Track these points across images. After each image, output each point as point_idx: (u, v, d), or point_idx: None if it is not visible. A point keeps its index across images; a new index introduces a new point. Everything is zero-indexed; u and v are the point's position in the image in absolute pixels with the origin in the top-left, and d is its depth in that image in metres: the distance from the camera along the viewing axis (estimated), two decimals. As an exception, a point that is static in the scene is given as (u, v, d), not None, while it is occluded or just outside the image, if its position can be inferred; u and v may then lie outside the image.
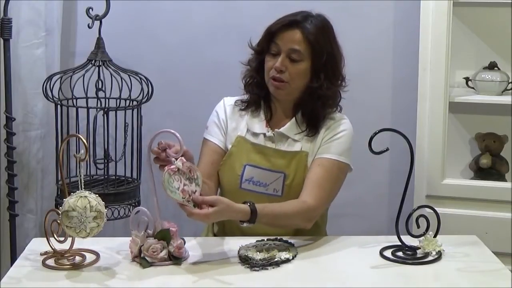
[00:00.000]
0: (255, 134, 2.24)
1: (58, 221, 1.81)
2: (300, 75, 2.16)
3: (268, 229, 2.14)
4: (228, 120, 2.27)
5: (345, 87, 2.25)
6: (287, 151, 2.20)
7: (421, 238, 1.97)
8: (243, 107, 2.27)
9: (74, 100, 2.75)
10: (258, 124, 2.24)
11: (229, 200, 1.89)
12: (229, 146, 2.24)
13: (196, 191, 1.86)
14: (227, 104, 2.29)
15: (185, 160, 1.85)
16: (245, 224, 1.93)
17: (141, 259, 1.87)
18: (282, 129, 2.22)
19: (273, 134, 2.22)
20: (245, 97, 2.28)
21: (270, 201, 2.15)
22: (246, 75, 2.27)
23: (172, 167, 1.82)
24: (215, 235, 2.30)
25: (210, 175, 2.21)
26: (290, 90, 2.18)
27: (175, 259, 1.88)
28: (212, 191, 2.22)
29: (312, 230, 2.20)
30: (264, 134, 2.23)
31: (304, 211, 2.07)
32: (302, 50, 2.14)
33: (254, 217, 1.92)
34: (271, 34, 2.18)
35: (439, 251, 1.94)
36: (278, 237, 2.06)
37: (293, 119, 2.22)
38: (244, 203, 1.94)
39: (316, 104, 2.18)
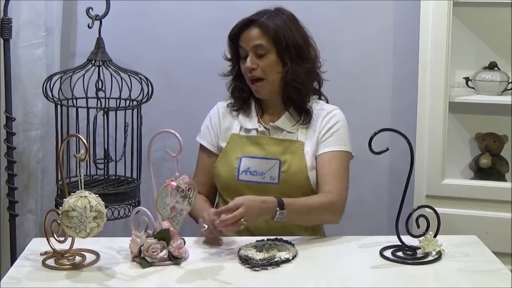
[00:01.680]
0: (248, 130, 2.31)
1: (58, 221, 1.81)
2: (271, 67, 2.24)
3: (268, 229, 2.15)
4: (221, 121, 2.35)
5: (320, 66, 2.33)
6: (282, 139, 2.27)
7: (421, 238, 1.97)
8: (234, 109, 2.35)
9: (74, 100, 2.75)
10: (250, 122, 2.32)
11: (249, 195, 1.96)
12: (224, 145, 2.31)
13: (185, 210, 1.88)
14: (220, 107, 2.39)
15: (187, 179, 1.87)
16: (278, 214, 1.97)
17: (141, 259, 1.87)
18: (277, 123, 2.29)
19: (266, 129, 2.28)
20: (234, 101, 2.37)
21: (267, 189, 2.20)
22: (230, 84, 2.38)
23: (173, 184, 1.83)
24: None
25: (203, 183, 2.32)
26: (269, 86, 2.26)
27: (175, 259, 1.88)
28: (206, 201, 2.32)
29: (310, 229, 2.22)
30: (257, 130, 2.29)
31: (330, 205, 2.14)
32: (264, 44, 2.23)
33: (282, 204, 1.97)
34: (234, 40, 2.29)
35: (439, 251, 1.94)
36: (278, 237, 2.07)
37: (286, 112, 2.29)
38: None
39: (290, 88, 2.25)
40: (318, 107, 2.31)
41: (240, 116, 2.34)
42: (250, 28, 2.25)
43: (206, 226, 1.96)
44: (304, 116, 2.28)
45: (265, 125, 2.30)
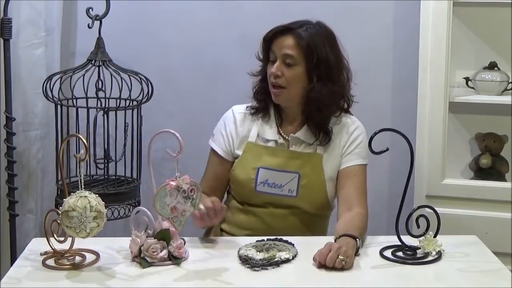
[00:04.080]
0: (266, 140, 2.26)
1: (58, 221, 1.81)
2: (295, 79, 2.18)
3: (268, 229, 2.16)
4: (238, 129, 2.28)
5: (349, 89, 2.27)
6: (301, 152, 2.23)
7: (421, 238, 1.97)
8: (252, 112, 2.29)
9: (74, 100, 2.75)
10: (270, 131, 2.27)
11: (332, 242, 1.91)
12: (239, 153, 2.26)
13: (188, 211, 1.86)
14: (236, 113, 2.31)
15: (189, 180, 1.86)
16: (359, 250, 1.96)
17: (141, 259, 1.87)
18: (297, 134, 2.24)
19: (286, 140, 2.24)
20: (255, 103, 2.30)
21: (285, 202, 2.20)
22: (255, 85, 2.31)
23: (172, 183, 1.83)
24: (221, 229, 2.31)
25: (213, 188, 2.26)
26: (289, 96, 2.21)
27: (175, 259, 1.88)
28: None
29: (314, 229, 2.24)
30: (276, 141, 2.25)
31: (367, 222, 2.17)
32: (295, 55, 2.17)
33: (355, 237, 1.95)
34: (267, 42, 2.23)
35: (439, 251, 1.94)
36: (278, 237, 2.07)
37: (306, 125, 2.25)
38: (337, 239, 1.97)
39: (312, 106, 2.21)
40: (339, 121, 2.27)
41: (260, 123, 2.28)
42: (285, 35, 2.19)
43: (202, 207, 1.97)
44: (322, 136, 2.23)
45: (285, 136, 2.26)
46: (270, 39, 2.22)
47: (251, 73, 2.31)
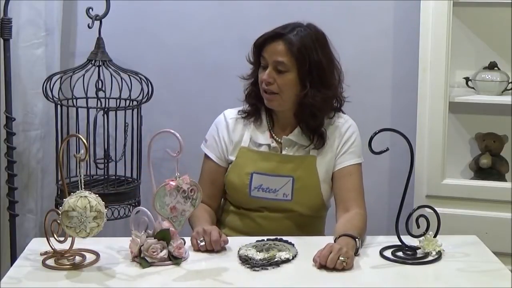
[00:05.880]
0: (259, 145, 2.25)
1: (58, 221, 1.81)
2: (288, 85, 2.17)
3: (264, 233, 2.15)
4: (230, 135, 2.27)
5: (342, 92, 2.26)
6: (294, 156, 2.22)
7: (421, 238, 1.97)
8: (244, 116, 2.27)
9: (74, 100, 2.75)
10: (262, 135, 2.26)
11: (333, 243, 1.91)
12: (233, 158, 2.25)
13: (187, 211, 1.86)
14: (228, 118, 2.29)
15: (189, 180, 1.85)
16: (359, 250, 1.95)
17: (141, 259, 1.87)
18: (290, 136, 2.23)
19: (279, 143, 2.23)
20: (246, 107, 2.29)
21: (280, 206, 2.19)
22: (247, 87, 2.29)
23: (172, 183, 1.83)
24: None
25: (211, 195, 2.26)
26: (282, 101, 2.19)
27: (175, 259, 1.88)
28: (213, 213, 2.28)
29: (311, 231, 2.23)
30: (269, 146, 2.24)
31: (366, 221, 2.16)
32: (286, 61, 2.15)
33: (354, 237, 1.94)
34: (258, 48, 2.21)
35: (439, 251, 1.94)
36: (278, 237, 2.07)
37: (299, 127, 2.24)
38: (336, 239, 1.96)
39: (305, 112, 2.19)
40: (332, 122, 2.25)
41: (252, 127, 2.26)
42: (276, 41, 2.16)
43: (203, 242, 1.95)
44: (317, 139, 2.22)
45: (278, 139, 2.25)
46: (260, 45, 2.19)
47: (242, 77, 2.29)
